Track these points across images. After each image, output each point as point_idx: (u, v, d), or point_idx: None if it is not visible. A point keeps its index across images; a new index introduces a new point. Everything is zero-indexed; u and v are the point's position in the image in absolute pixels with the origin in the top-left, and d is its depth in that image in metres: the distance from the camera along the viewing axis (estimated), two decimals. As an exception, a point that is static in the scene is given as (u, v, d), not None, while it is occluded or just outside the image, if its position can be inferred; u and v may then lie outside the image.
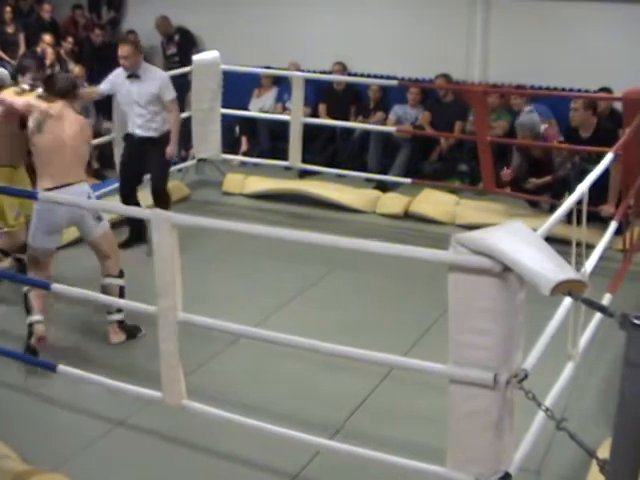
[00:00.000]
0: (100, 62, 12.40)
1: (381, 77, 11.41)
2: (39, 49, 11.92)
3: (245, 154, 11.69)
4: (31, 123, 6.29)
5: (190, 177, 10.62)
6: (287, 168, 10.46)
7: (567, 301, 4.84)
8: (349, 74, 11.68)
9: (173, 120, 8.38)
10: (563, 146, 8.89)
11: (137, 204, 8.46)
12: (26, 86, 7.02)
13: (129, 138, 8.58)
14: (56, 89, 6.40)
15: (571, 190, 8.23)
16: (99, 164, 11.28)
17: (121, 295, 6.28)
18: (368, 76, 11.55)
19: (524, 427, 4.29)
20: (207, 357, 6.10)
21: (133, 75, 8.23)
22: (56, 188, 6.12)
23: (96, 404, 5.47)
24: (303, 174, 10.51)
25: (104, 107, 10.56)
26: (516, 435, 4.03)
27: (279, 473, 4.81)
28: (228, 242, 8.03)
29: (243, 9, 12.47)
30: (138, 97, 8.25)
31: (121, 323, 6.42)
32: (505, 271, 3.53)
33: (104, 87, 8.53)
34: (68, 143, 6.26)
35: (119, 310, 6.38)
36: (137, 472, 4.89)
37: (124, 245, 8.06)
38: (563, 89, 10.47)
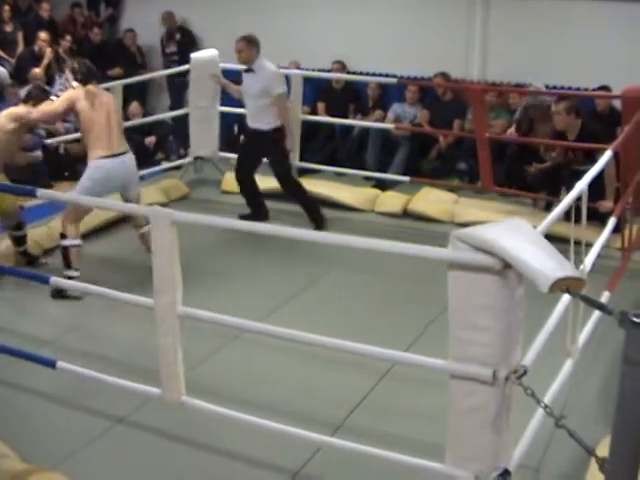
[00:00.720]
0: (98, 60, 12.46)
1: (380, 75, 11.41)
2: (36, 47, 11.93)
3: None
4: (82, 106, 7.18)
5: (189, 175, 10.62)
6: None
7: (566, 298, 4.85)
8: (348, 72, 11.69)
9: (280, 113, 8.68)
10: (558, 142, 8.91)
11: (255, 189, 9.19)
12: (54, 98, 7.62)
13: (245, 129, 9.17)
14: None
15: (567, 185, 8.35)
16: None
17: None
18: (367, 74, 11.55)
19: (523, 424, 4.30)
20: (206, 354, 6.10)
21: (249, 69, 8.66)
22: (110, 157, 7.19)
23: (95, 401, 5.46)
24: (302, 172, 10.51)
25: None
26: (515, 432, 4.03)
27: (280, 470, 4.81)
28: (227, 240, 8.04)
29: (242, 7, 12.49)
30: (251, 90, 8.68)
31: None
32: (505, 268, 3.54)
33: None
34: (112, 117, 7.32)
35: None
36: (136, 469, 4.89)
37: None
38: (562, 87, 10.49)
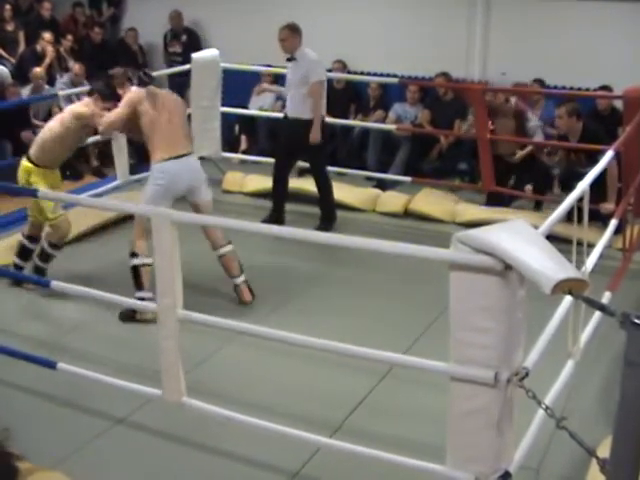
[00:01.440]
0: (100, 59, 12.46)
1: (381, 75, 11.40)
2: (39, 47, 11.92)
3: (245, 152, 11.69)
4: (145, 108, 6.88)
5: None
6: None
7: (567, 300, 4.84)
8: (349, 72, 11.69)
9: (313, 103, 8.62)
10: (556, 143, 8.92)
11: (286, 193, 9.09)
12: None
13: (283, 120, 9.05)
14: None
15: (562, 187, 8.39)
16: (99, 162, 11.26)
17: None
18: (368, 74, 11.54)
19: (524, 425, 4.29)
20: (207, 355, 6.10)
21: (292, 58, 8.67)
22: (173, 158, 6.81)
23: (95, 402, 5.46)
24: (302, 172, 10.50)
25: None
26: (516, 433, 4.03)
27: (279, 471, 4.81)
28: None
29: (243, 7, 12.48)
30: (292, 78, 8.71)
31: (247, 282, 7.09)
32: (506, 269, 3.53)
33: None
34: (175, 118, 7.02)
35: (242, 271, 7.08)
36: (136, 470, 4.89)
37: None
38: (563, 87, 10.48)
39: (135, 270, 6.80)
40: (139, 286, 6.73)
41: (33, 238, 7.44)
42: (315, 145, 8.62)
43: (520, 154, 9.50)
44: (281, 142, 9.17)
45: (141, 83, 7.09)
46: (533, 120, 9.78)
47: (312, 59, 8.66)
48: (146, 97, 6.92)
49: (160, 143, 6.83)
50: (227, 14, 12.64)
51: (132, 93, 7.00)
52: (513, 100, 9.80)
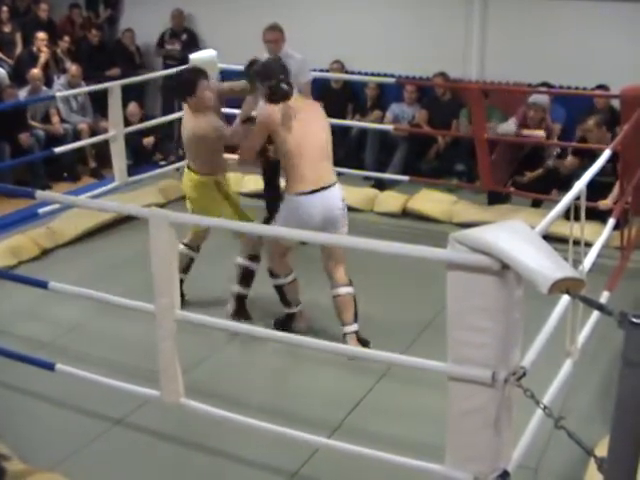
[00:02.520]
0: (97, 61, 12.46)
1: (378, 75, 11.39)
2: (34, 48, 11.92)
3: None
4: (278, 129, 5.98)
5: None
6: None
7: (565, 299, 4.84)
8: (346, 72, 11.68)
9: None
10: (557, 142, 8.91)
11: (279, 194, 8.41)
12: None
13: None
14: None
15: (563, 184, 8.38)
16: (96, 163, 11.26)
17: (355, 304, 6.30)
18: (365, 74, 11.54)
19: (522, 425, 4.29)
20: (205, 355, 6.10)
21: None
22: (308, 193, 5.98)
23: (94, 403, 5.46)
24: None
25: (101, 106, 10.54)
26: (514, 433, 4.03)
27: (278, 471, 4.82)
28: (225, 240, 8.02)
29: (240, 7, 12.47)
30: None
31: (357, 333, 6.21)
32: (503, 269, 3.53)
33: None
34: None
35: (356, 319, 6.24)
36: (135, 471, 4.89)
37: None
38: (560, 87, 10.48)
39: (279, 289, 6.52)
40: (286, 303, 6.53)
41: (197, 247, 7.07)
42: None
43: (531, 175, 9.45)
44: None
45: (275, 96, 6.09)
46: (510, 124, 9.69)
47: (300, 59, 8.43)
48: (280, 114, 5.99)
49: (294, 171, 6.02)
50: (224, 13, 12.63)
51: (264, 111, 6.07)
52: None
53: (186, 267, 6.92)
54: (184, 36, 12.95)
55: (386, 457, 4.25)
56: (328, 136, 6.39)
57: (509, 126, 9.43)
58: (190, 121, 6.60)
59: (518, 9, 10.86)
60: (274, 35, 8.27)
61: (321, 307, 6.74)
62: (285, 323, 6.49)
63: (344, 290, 6.25)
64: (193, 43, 12.85)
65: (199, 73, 6.65)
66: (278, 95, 6.04)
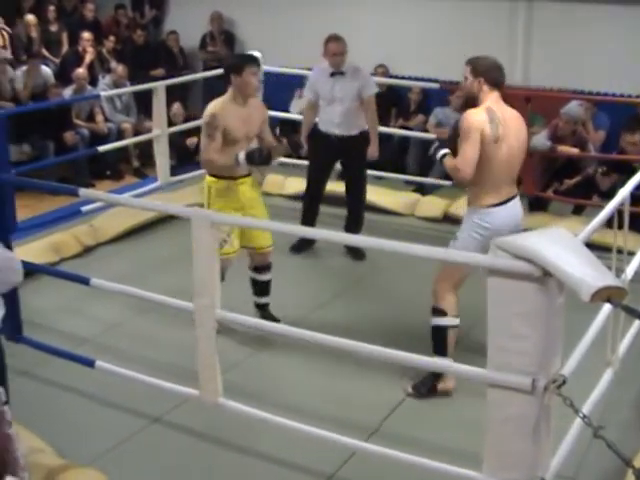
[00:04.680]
0: (141, 61, 12.53)
1: (422, 80, 11.36)
2: (80, 47, 12.02)
3: (285, 155, 11.66)
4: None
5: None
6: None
7: (606, 307, 4.80)
8: (390, 77, 11.67)
9: (372, 117, 8.25)
10: (593, 155, 8.86)
11: (316, 204, 8.49)
12: None
13: (325, 138, 8.24)
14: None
15: (600, 190, 8.30)
16: (140, 163, 11.33)
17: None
18: (409, 78, 11.52)
19: (561, 434, 4.26)
20: (244, 356, 6.12)
21: (338, 72, 8.06)
22: (502, 203, 5.41)
23: (132, 400, 5.49)
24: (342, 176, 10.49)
25: (145, 105, 10.62)
26: (553, 441, 4.01)
27: (314, 473, 4.81)
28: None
29: (286, 9, 12.50)
30: (342, 94, 8.05)
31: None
32: (545, 276, 3.52)
33: (311, 96, 8.36)
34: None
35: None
36: (171, 469, 4.91)
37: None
38: (605, 94, 10.41)
39: (440, 333, 5.54)
40: (441, 351, 5.48)
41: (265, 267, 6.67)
42: (365, 162, 8.37)
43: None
44: (325, 161, 8.44)
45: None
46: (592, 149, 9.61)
47: (366, 73, 8.37)
48: (488, 119, 5.26)
49: (491, 183, 5.35)
50: (270, 15, 12.64)
51: (474, 117, 5.28)
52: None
53: None
54: (222, 37, 13.01)
55: (422, 462, 4.25)
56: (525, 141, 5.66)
57: (539, 141, 9.27)
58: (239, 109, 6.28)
59: (563, 13, 10.77)
60: (341, 47, 7.98)
61: (359, 310, 6.77)
62: (428, 383, 5.66)
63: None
64: (230, 45, 12.92)
65: (250, 58, 6.51)
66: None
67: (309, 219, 8.31)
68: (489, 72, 5.46)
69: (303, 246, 8.26)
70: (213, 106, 6.20)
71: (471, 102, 5.47)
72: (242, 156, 6.13)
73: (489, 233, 5.18)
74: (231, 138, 6.16)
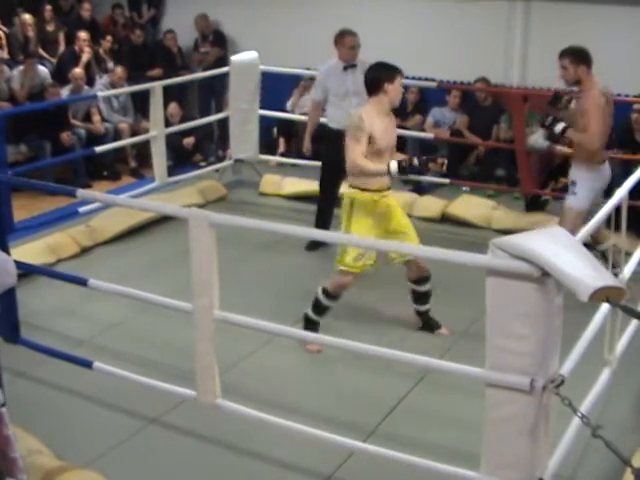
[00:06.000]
0: (138, 61, 12.52)
1: (419, 79, 11.36)
2: (77, 47, 12.00)
3: (282, 155, 11.68)
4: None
5: (227, 177, 10.63)
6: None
7: (604, 307, 4.80)
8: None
9: None
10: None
11: (332, 205, 8.38)
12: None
13: (339, 135, 7.70)
14: None
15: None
16: (137, 163, 11.32)
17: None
18: (407, 78, 11.51)
19: (559, 433, 4.27)
20: (242, 356, 6.11)
21: (350, 66, 8.15)
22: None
23: (130, 401, 5.48)
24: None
25: (142, 106, 10.61)
26: (551, 441, 4.01)
27: (312, 474, 4.81)
28: (264, 242, 8.05)
29: (282, 9, 12.49)
30: (355, 88, 8.03)
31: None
32: (543, 276, 3.52)
33: (319, 96, 8.39)
34: None
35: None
36: (169, 469, 4.91)
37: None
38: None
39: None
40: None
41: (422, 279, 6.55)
42: None
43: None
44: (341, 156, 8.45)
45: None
46: None
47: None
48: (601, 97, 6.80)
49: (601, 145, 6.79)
50: (266, 15, 12.57)
51: (591, 99, 6.74)
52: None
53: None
54: (211, 37, 13.00)
55: (420, 462, 4.25)
56: None
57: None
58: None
59: (561, 14, 10.77)
60: (357, 40, 8.16)
61: (360, 309, 6.77)
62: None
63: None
64: (221, 45, 12.91)
65: (396, 67, 6.42)
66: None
67: (325, 222, 8.33)
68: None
69: (317, 245, 8.29)
70: (359, 113, 6.11)
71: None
72: (394, 165, 5.92)
73: (600, 185, 6.85)
74: (376, 148, 6.04)
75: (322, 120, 8.52)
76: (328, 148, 8.27)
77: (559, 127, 6.81)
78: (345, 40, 8.11)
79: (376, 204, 6.14)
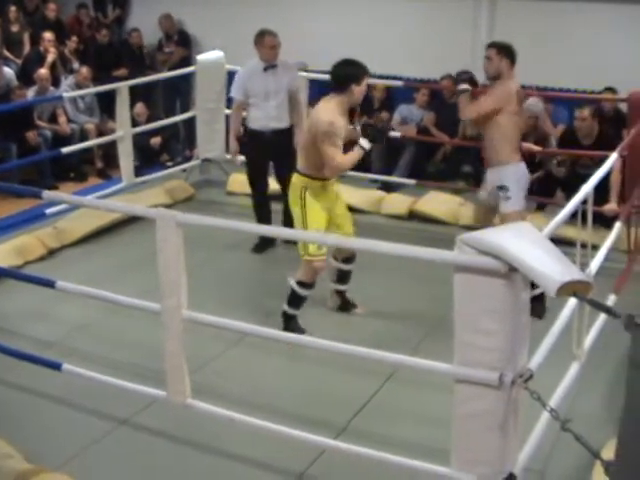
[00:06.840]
0: (104, 61, 12.46)
1: (386, 77, 11.38)
2: (42, 48, 11.92)
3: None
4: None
5: (194, 177, 10.61)
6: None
7: (572, 301, 4.84)
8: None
9: (300, 109, 8.40)
10: (565, 151, 8.92)
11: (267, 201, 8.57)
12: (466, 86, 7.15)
13: (260, 136, 8.23)
14: None
15: (563, 188, 8.38)
16: (103, 164, 11.27)
17: None
18: (373, 76, 11.52)
19: (529, 427, 4.29)
20: (212, 356, 6.10)
21: (271, 66, 8.15)
22: None
23: (100, 403, 5.46)
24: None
25: (108, 106, 10.56)
26: (521, 435, 4.03)
27: (284, 472, 4.81)
28: (232, 242, 8.05)
29: (248, 9, 12.46)
30: (276, 88, 8.13)
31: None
32: (511, 271, 3.54)
33: (241, 96, 8.30)
34: None
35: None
36: (141, 471, 4.89)
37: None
38: (568, 90, 10.47)
39: None
40: None
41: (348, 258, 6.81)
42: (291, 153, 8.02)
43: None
44: (263, 156, 8.37)
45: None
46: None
47: (293, 65, 8.52)
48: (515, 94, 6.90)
49: (516, 144, 6.85)
50: (232, 15, 12.56)
51: (506, 88, 6.88)
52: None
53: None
54: (175, 37, 12.97)
55: (392, 459, 4.26)
56: None
57: (537, 105, 9.37)
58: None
59: (526, 11, 10.84)
60: (277, 40, 8.16)
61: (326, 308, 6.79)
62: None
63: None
64: (185, 45, 12.88)
65: (364, 67, 6.68)
66: None
67: (264, 218, 8.39)
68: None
69: (265, 245, 8.30)
70: (328, 114, 6.18)
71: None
72: (365, 142, 6.21)
73: (524, 184, 6.86)
74: (339, 144, 6.17)
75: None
76: (250, 149, 8.38)
77: (463, 86, 7.10)
78: (265, 40, 8.10)
79: (325, 189, 6.38)
